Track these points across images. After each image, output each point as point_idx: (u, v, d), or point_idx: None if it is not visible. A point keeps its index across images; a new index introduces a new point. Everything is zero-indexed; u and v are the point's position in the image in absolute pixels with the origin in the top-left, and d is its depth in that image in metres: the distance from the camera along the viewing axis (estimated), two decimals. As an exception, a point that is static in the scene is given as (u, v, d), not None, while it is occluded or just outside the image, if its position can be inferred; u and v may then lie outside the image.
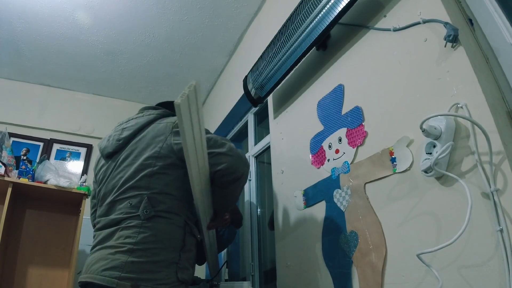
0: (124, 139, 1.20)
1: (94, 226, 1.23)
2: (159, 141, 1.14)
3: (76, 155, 3.00)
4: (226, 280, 2.24)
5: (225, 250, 2.74)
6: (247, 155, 2.53)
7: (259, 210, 2.32)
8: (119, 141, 1.21)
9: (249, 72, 1.94)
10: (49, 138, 2.97)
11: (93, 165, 1.57)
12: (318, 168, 1.42)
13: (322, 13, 1.32)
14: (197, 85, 0.92)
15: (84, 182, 2.36)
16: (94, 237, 1.14)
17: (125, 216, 1.07)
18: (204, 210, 1.22)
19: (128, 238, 1.03)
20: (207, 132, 1.18)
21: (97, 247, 1.08)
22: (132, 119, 1.28)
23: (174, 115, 1.27)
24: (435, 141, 0.88)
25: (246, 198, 2.41)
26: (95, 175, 1.31)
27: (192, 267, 1.17)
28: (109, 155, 1.23)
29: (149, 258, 1.02)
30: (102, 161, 1.27)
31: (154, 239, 1.04)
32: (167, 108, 1.32)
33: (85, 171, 3.01)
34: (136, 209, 1.07)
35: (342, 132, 1.31)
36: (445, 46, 0.94)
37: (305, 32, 1.41)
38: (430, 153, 0.89)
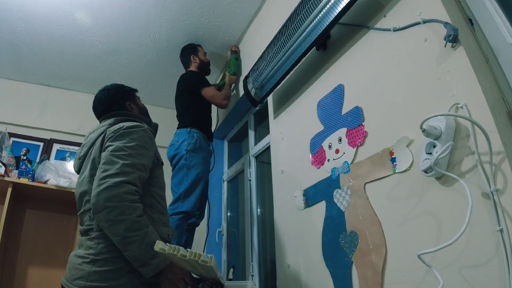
0: (82, 157, 1.29)
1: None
2: (99, 152, 1.19)
3: (76, 155, 2.99)
4: (230, 279, 2.24)
5: (226, 250, 2.74)
6: (247, 155, 2.52)
7: (259, 210, 2.32)
8: (79, 159, 1.30)
9: (249, 72, 1.94)
10: (49, 138, 2.96)
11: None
12: (318, 168, 1.42)
13: (322, 13, 1.32)
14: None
15: (84, 182, 2.35)
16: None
17: (87, 228, 1.14)
18: None
19: (91, 249, 1.09)
20: (128, 133, 1.17)
21: (76, 250, 1.16)
22: (90, 133, 1.34)
23: (130, 120, 1.31)
24: (435, 141, 0.88)
25: (246, 198, 2.41)
26: None
27: None
28: (77, 172, 1.33)
29: (110, 266, 1.06)
30: (77, 176, 1.35)
31: (112, 248, 1.07)
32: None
33: (85, 171, 3.00)
34: (93, 220, 1.11)
35: (342, 132, 1.31)
36: (445, 46, 0.94)
37: (305, 32, 1.41)
38: (430, 153, 0.89)
